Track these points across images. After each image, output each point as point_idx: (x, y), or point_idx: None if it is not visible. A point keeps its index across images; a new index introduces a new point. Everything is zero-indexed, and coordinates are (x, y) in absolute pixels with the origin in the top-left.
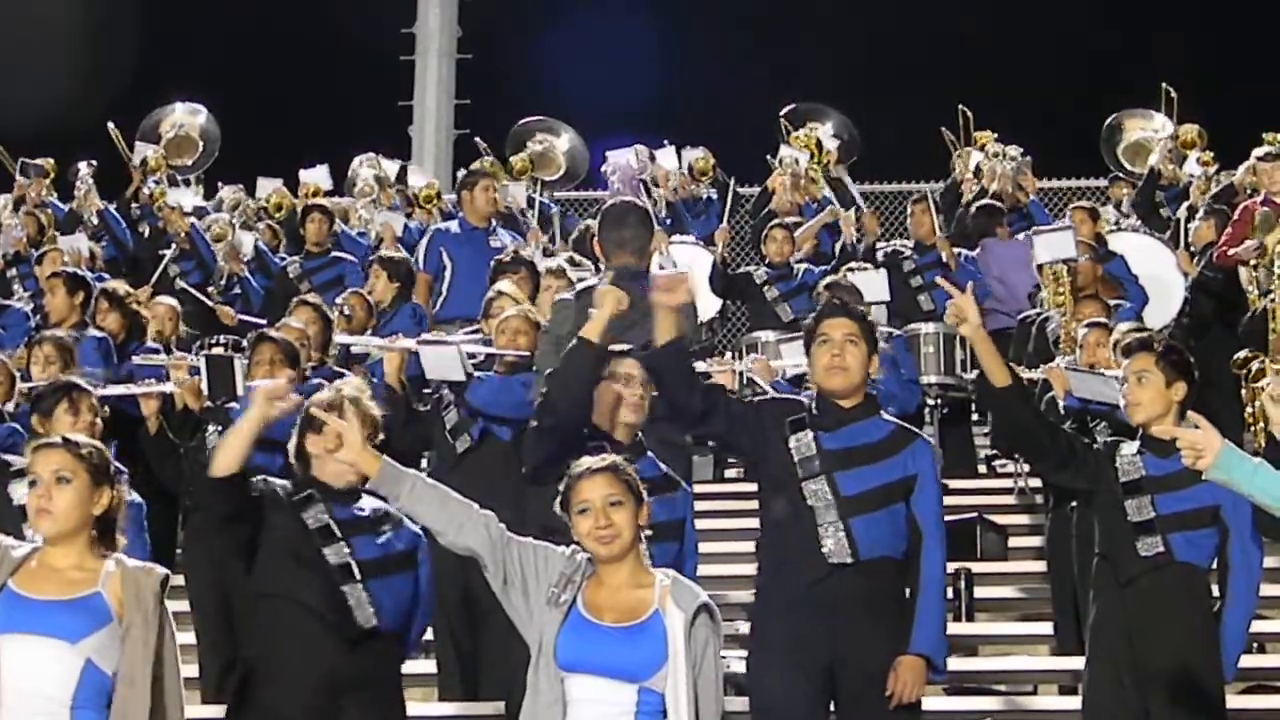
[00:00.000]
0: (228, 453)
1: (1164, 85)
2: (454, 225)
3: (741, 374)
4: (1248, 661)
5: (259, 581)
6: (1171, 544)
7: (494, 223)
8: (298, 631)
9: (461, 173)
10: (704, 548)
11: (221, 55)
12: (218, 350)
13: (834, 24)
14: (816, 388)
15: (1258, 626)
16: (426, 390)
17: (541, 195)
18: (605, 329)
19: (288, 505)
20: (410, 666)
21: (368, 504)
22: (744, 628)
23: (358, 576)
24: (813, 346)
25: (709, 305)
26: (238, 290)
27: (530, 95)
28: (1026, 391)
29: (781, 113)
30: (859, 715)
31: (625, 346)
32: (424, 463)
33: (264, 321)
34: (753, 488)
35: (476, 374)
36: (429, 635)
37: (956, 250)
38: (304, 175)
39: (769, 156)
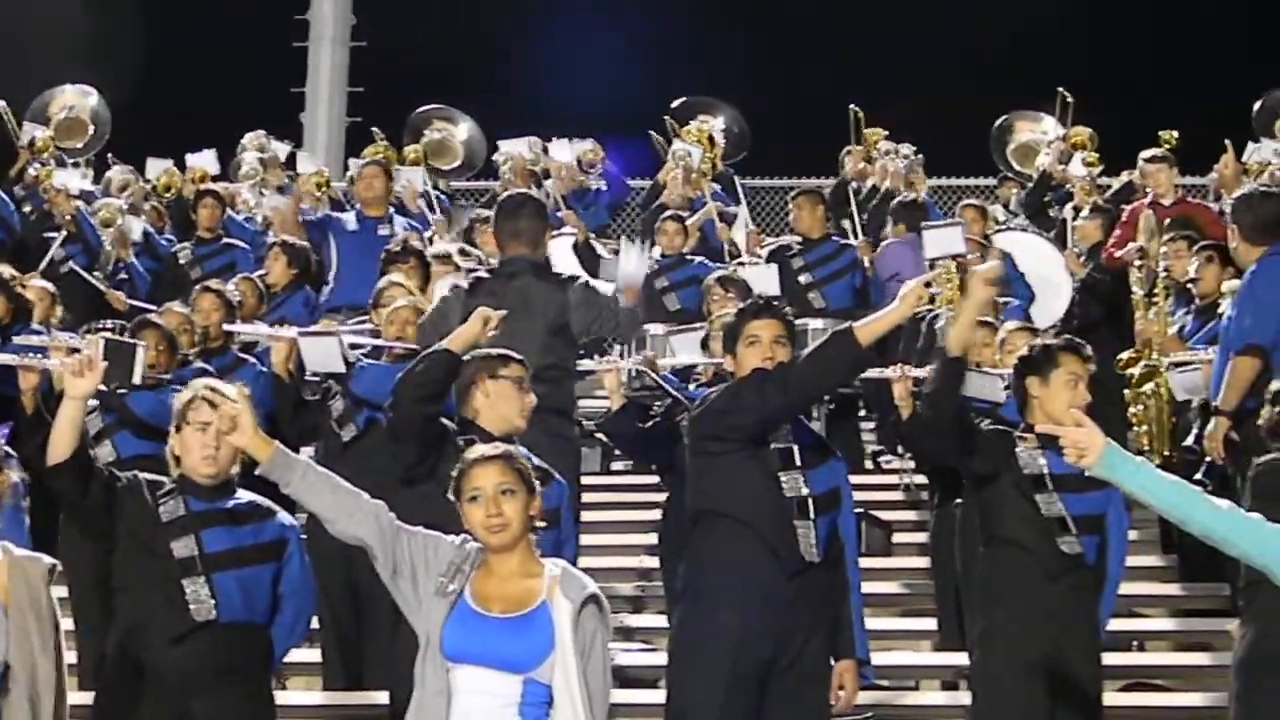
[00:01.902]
0: (58, 439)
1: (1060, 90)
2: (346, 213)
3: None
4: (1127, 660)
5: (115, 574)
6: (1084, 545)
7: (389, 211)
8: (142, 624)
9: (354, 161)
10: (591, 540)
11: (112, 35)
12: (116, 336)
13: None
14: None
15: (1137, 625)
16: (313, 379)
17: (437, 185)
18: (470, 346)
19: (148, 498)
20: (294, 655)
21: (243, 497)
22: (631, 620)
23: (199, 569)
24: (740, 346)
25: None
26: (124, 275)
27: (426, 83)
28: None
29: (673, 105)
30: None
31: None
32: (309, 451)
33: (152, 307)
34: (642, 480)
35: (362, 361)
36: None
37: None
38: (191, 160)
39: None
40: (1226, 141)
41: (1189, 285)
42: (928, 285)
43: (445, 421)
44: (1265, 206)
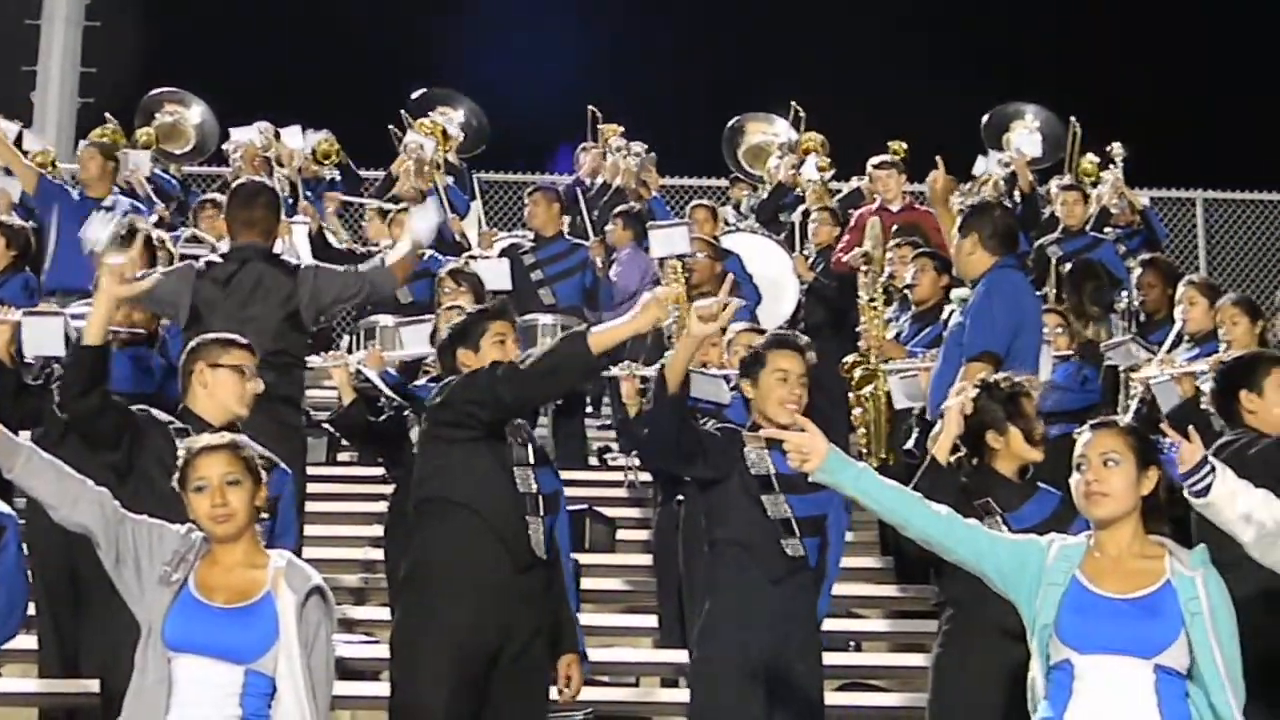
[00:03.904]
0: None
1: (792, 103)
2: (71, 192)
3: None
4: (844, 660)
5: None
6: (807, 547)
7: (115, 192)
8: None
9: (84, 142)
10: (315, 530)
11: None
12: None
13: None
14: None
15: (854, 626)
16: (29, 362)
17: (167, 169)
18: (103, 330)
19: None
20: (12, 643)
21: None
22: (354, 612)
23: None
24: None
25: None
26: None
27: (160, 66)
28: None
29: (412, 96)
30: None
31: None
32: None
33: None
34: (368, 471)
35: None
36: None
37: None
38: None
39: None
40: (938, 158)
41: (907, 291)
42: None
43: (150, 410)
44: (1005, 219)
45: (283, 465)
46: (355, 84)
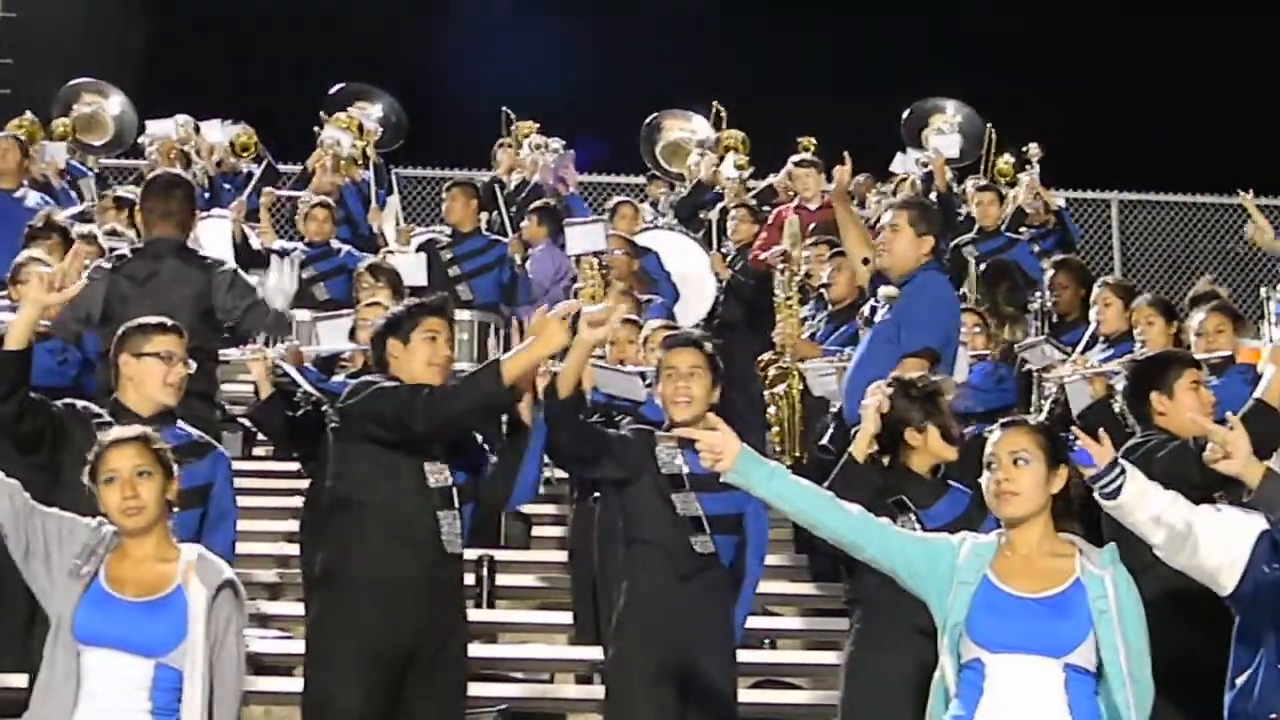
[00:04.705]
0: None
1: (714, 103)
2: None
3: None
4: (759, 657)
5: None
6: (719, 544)
7: (23, 184)
8: None
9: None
10: None
11: None
12: None
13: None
14: None
15: (769, 623)
16: None
17: (85, 160)
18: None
19: None
20: None
21: None
22: (268, 607)
23: None
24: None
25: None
26: None
27: (79, 57)
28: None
29: (330, 91)
30: None
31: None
32: None
33: None
34: (283, 466)
35: None
36: None
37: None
38: None
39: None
40: (845, 153)
41: (823, 290)
42: (564, 318)
43: (77, 405)
44: (937, 218)
45: (220, 448)
46: (275, 78)
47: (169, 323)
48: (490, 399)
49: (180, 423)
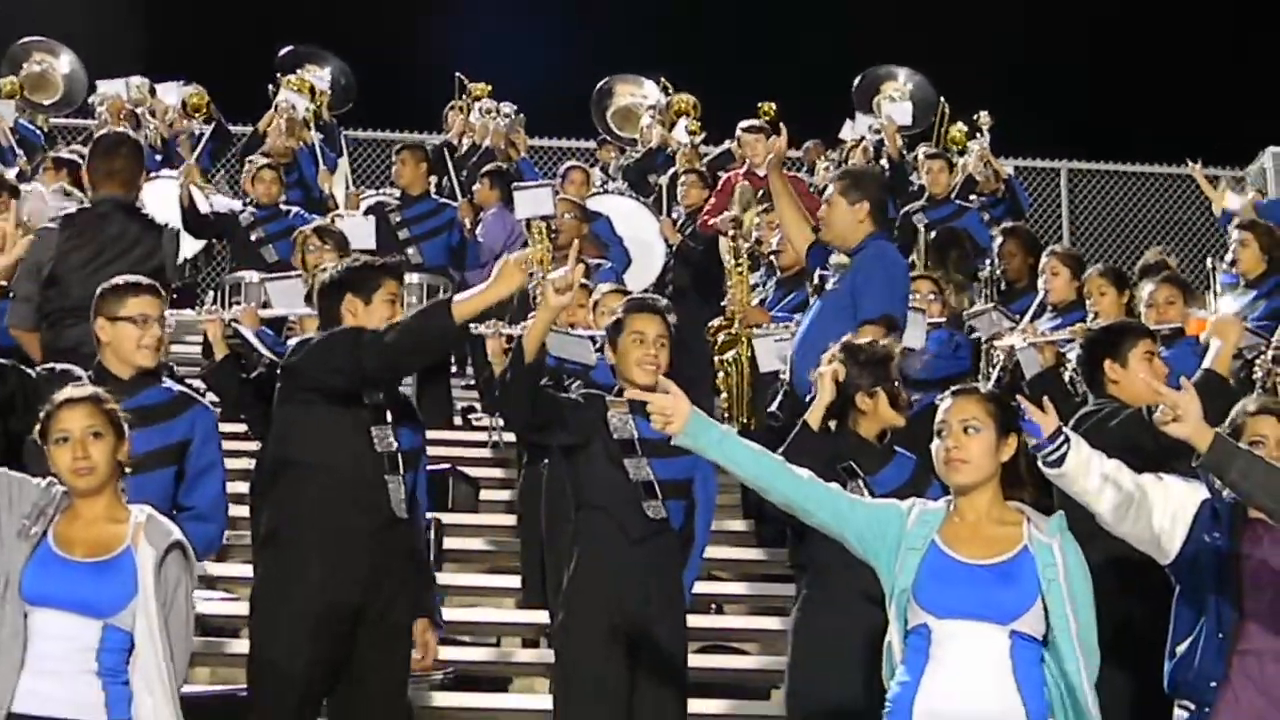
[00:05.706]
0: None
1: (661, 79)
2: None
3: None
4: (706, 622)
5: None
6: (669, 509)
7: None
8: None
9: None
10: None
11: None
12: None
13: None
14: None
15: (715, 589)
16: None
17: (33, 120)
18: None
19: None
20: None
21: None
22: (214, 568)
23: None
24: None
25: (190, 245)
26: None
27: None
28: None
29: (279, 54)
30: None
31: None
32: None
33: None
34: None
35: None
36: None
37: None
38: None
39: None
40: (781, 124)
41: (772, 257)
42: (525, 263)
43: (56, 368)
44: (869, 179)
45: (203, 403)
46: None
47: (144, 282)
48: (440, 336)
49: (167, 380)
